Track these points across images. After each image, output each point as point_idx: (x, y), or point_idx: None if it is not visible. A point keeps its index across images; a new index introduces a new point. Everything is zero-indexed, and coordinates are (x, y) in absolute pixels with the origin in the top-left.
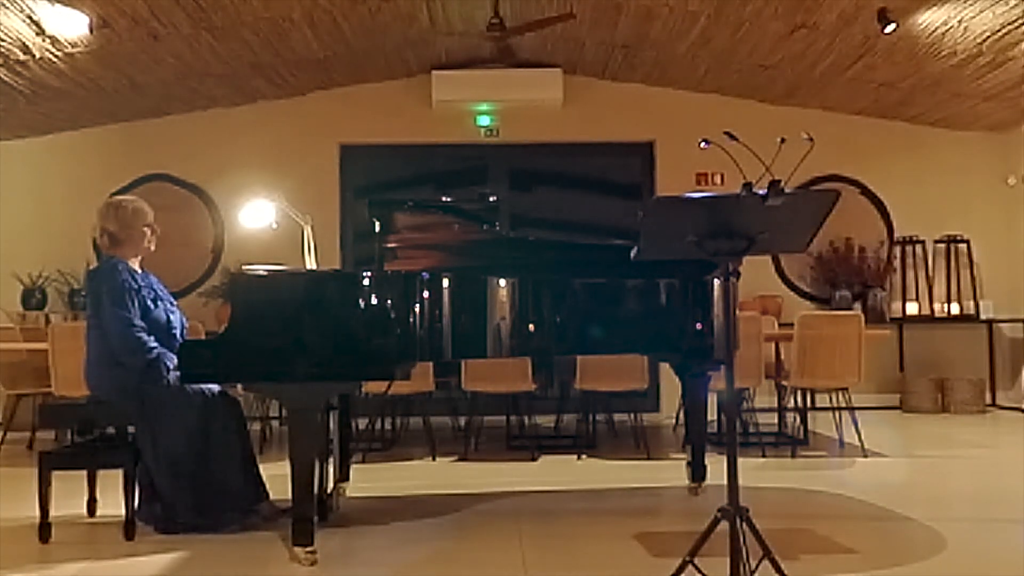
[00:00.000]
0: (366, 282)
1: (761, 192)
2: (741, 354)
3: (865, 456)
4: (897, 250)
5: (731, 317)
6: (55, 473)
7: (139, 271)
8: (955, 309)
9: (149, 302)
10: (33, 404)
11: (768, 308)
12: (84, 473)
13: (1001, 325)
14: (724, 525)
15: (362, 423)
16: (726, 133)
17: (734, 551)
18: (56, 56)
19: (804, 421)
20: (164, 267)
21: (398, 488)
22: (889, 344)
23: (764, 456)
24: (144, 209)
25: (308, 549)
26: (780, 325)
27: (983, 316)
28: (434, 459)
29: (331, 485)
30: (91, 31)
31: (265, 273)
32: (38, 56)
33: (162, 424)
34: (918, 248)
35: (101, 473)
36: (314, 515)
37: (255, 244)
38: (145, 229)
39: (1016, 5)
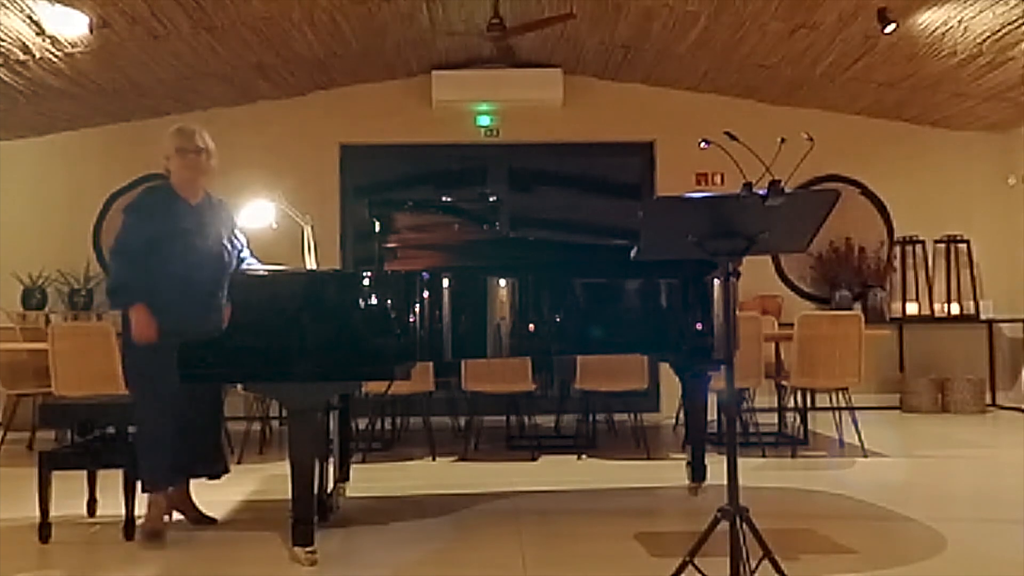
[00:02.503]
0: (366, 282)
1: (761, 192)
2: (741, 354)
3: (865, 456)
4: (897, 250)
5: (731, 317)
6: (55, 473)
7: (183, 198)
8: (955, 309)
9: (166, 232)
10: (33, 404)
11: (768, 308)
12: (84, 473)
13: (1001, 325)
14: (724, 525)
15: (362, 423)
16: (726, 133)
17: (734, 551)
18: (56, 56)
19: (804, 421)
20: None
21: (398, 488)
22: (889, 344)
23: (764, 456)
24: (182, 131)
25: (308, 549)
26: (780, 325)
27: (983, 316)
28: (434, 459)
29: (331, 485)
30: (91, 31)
31: (265, 273)
32: (38, 56)
33: (129, 374)
34: (918, 248)
35: (101, 473)
36: (314, 515)
37: (255, 244)
38: (177, 154)
39: (1016, 5)
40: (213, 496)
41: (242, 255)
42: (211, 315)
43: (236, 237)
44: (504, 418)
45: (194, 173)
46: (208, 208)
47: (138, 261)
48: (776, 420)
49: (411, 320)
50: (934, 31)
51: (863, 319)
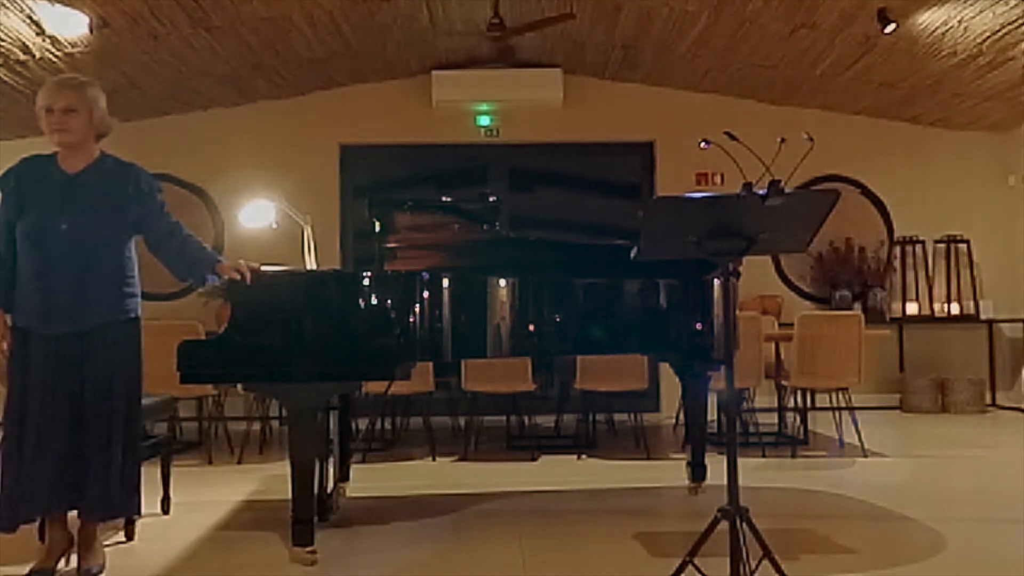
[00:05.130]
0: (366, 282)
1: (761, 192)
2: (741, 354)
3: (865, 456)
4: (897, 250)
5: (731, 317)
6: None
7: (61, 169)
8: (955, 309)
9: (18, 206)
10: None
11: (768, 308)
12: None
13: (1001, 325)
14: (724, 525)
15: (362, 423)
16: (726, 133)
17: (734, 551)
18: (56, 56)
19: (804, 421)
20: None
21: (398, 488)
22: (889, 344)
23: (764, 456)
24: (47, 86)
25: (308, 549)
26: (780, 325)
27: (983, 316)
28: (434, 459)
29: (331, 485)
30: (91, 31)
31: (265, 273)
32: (38, 56)
33: None
34: (918, 248)
35: None
36: (314, 515)
37: (255, 244)
38: (44, 115)
39: (1016, 5)
40: (213, 496)
41: (153, 225)
42: (87, 306)
43: (143, 204)
44: (504, 418)
45: (62, 137)
46: (94, 177)
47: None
48: (776, 420)
49: (411, 320)
50: (934, 31)
51: (863, 319)
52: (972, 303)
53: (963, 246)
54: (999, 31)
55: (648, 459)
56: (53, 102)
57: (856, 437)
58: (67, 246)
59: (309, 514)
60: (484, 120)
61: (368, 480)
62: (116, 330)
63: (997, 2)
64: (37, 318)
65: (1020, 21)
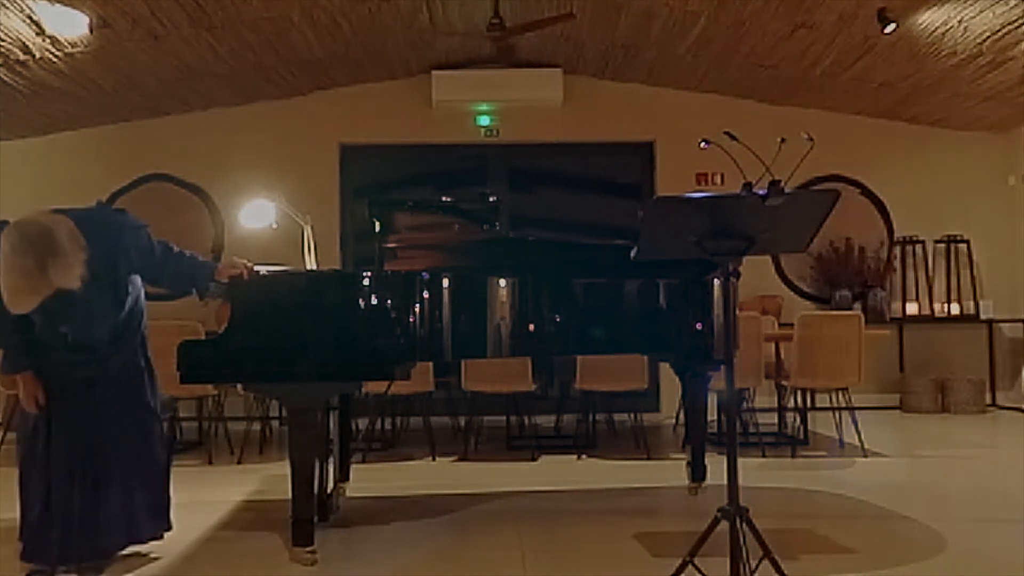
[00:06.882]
0: (366, 282)
1: (761, 192)
2: (741, 354)
3: (865, 456)
4: (897, 250)
5: (731, 317)
6: None
7: None
8: (955, 309)
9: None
10: None
11: (768, 308)
12: None
13: (1001, 325)
14: (724, 525)
15: (362, 423)
16: (726, 133)
17: (734, 551)
18: (56, 56)
19: (804, 421)
20: None
21: (398, 488)
22: (889, 344)
23: (764, 456)
24: (9, 291)
25: (308, 549)
26: (780, 325)
27: (983, 316)
28: (434, 459)
29: (331, 485)
30: (91, 31)
31: (265, 273)
32: (38, 56)
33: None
34: (918, 248)
35: None
36: (314, 515)
37: (255, 244)
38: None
39: (1016, 5)
40: (213, 495)
41: (146, 266)
42: (111, 354)
43: (132, 254)
44: (504, 418)
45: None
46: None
47: (15, 318)
48: (776, 420)
49: (411, 320)
50: (934, 31)
51: (863, 319)
52: (972, 303)
53: (963, 246)
54: (999, 31)
55: (648, 459)
56: (28, 307)
57: (856, 437)
58: (83, 322)
59: (309, 514)
60: (484, 120)
61: (368, 480)
62: (136, 347)
63: (997, 2)
64: (65, 369)
65: (1020, 21)
